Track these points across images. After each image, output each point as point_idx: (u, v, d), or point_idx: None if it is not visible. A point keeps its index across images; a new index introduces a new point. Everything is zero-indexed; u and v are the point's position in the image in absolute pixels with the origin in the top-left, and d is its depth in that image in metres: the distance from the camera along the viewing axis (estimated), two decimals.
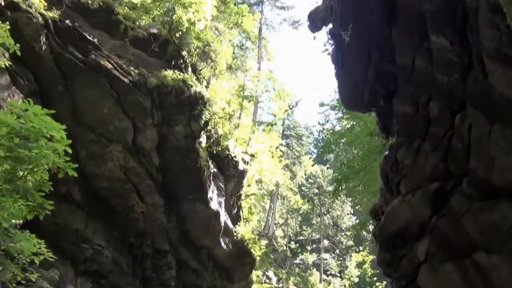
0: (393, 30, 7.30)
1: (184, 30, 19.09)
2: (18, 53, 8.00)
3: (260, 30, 35.37)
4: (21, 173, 6.30)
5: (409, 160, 7.69)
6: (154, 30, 18.95)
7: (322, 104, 30.16)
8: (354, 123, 19.43)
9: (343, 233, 50.47)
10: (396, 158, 8.10)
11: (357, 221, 43.01)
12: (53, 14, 14.22)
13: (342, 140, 21.07)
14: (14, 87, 12.43)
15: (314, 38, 9.39)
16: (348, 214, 50.47)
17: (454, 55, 6.28)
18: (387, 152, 8.71)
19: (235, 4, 25.56)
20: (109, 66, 15.47)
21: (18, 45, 7.80)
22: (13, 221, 7.05)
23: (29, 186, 6.44)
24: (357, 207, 30.82)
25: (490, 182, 6.29)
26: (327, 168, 50.16)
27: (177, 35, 19.18)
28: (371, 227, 21.91)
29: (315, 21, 9.05)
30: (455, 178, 7.14)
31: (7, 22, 8.29)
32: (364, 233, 39.06)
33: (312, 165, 50.86)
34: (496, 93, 5.95)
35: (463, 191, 6.83)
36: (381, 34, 7.27)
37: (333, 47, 8.80)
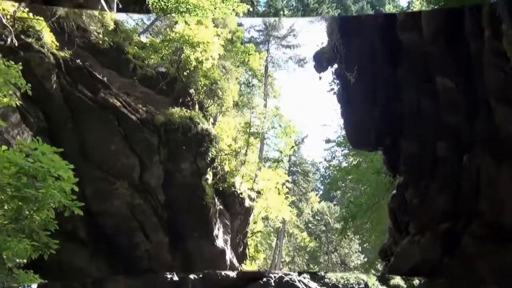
0: (398, 71, 7.41)
1: (192, 68, 19.47)
2: (30, 93, 8.15)
3: (266, 68, 35.92)
4: (27, 213, 6.28)
5: (417, 200, 7.61)
6: (162, 69, 19.33)
7: (328, 141, 30.18)
8: (361, 159, 19.39)
9: (351, 272, 49.26)
10: (404, 198, 8.02)
11: (366, 259, 42.10)
12: (65, 53, 14.57)
13: (349, 177, 20.97)
14: (24, 125, 12.60)
15: (320, 78, 9.52)
16: (356, 252, 49.46)
17: (460, 96, 6.33)
18: (394, 191, 8.63)
19: (241, 43, 26.11)
20: (118, 104, 15.70)
21: (29, 85, 7.95)
22: (17, 260, 6.97)
23: (34, 225, 6.40)
24: (365, 245, 30.28)
25: (501, 224, 6.18)
26: (334, 205, 49.59)
27: (185, 73, 19.55)
28: (379, 266, 21.43)
29: (321, 61, 9.20)
30: (464, 219, 7.03)
31: (20, 63, 8.47)
32: (373, 271, 38.16)
33: (319, 202, 50.34)
34: (503, 133, 5.94)
35: (474, 233, 6.72)
36: (386, 75, 7.37)
37: (338, 86, 8.91)
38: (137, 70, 18.58)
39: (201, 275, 16.70)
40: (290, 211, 31.73)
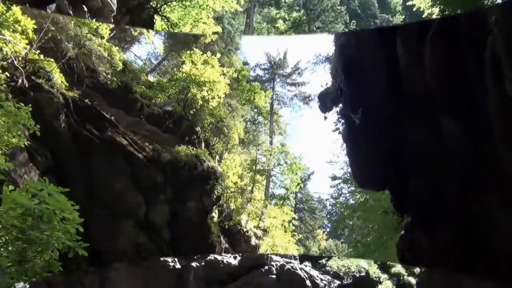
0: (404, 111, 7.45)
1: (198, 107, 19.74)
2: (38, 133, 8.28)
3: (271, 105, 36.26)
4: (31, 254, 6.23)
5: (426, 241, 7.47)
6: (169, 108, 19.60)
7: (334, 178, 30.07)
8: (368, 197, 19.22)
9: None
10: (412, 239, 7.88)
11: None
12: (74, 93, 14.85)
13: (356, 215, 20.73)
14: (31, 164, 12.67)
15: (325, 118, 9.59)
16: None
17: (466, 139, 6.32)
18: (403, 232, 8.49)
19: (247, 82, 26.53)
20: (124, 142, 15.84)
21: (38, 126, 8.09)
22: None
23: (38, 267, 6.34)
24: None
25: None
26: (342, 243, 48.73)
27: (191, 111, 19.81)
28: None
29: (325, 102, 9.30)
30: (472, 259, 6.89)
31: (30, 104, 8.64)
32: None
33: (326, 240, 49.52)
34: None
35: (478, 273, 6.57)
36: (391, 115, 7.41)
37: (343, 126, 8.96)
38: (144, 109, 18.86)
39: (203, 263, 16.42)
40: (297, 249, 31.19)
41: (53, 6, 14.10)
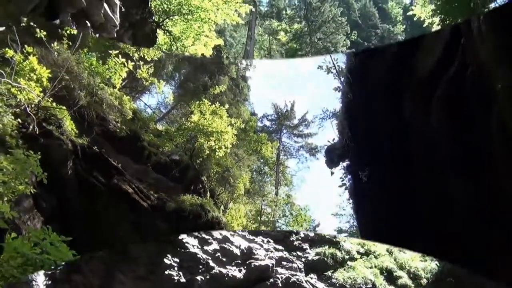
0: (412, 168, 7.40)
1: (205, 156, 19.84)
2: (45, 181, 8.33)
3: (278, 156, 36.45)
4: None
5: None
6: (176, 157, 19.72)
7: (340, 231, 29.65)
8: None
9: None
10: None
11: None
12: (83, 140, 15.02)
13: None
14: (36, 210, 12.61)
15: (332, 173, 9.58)
16: None
17: (475, 200, 6.24)
18: None
19: (254, 132, 26.81)
20: (130, 190, 15.82)
21: (45, 174, 8.15)
22: None
23: None
24: None
25: None
26: None
27: (198, 161, 19.90)
28: None
29: (332, 157, 9.32)
30: None
31: (39, 152, 8.76)
32: None
33: None
34: None
35: None
36: (399, 173, 7.37)
37: (350, 182, 8.92)
38: (152, 157, 18.97)
39: (207, 276, 15.96)
40: None
41: (57, 22, 14.33)
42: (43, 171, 8.39)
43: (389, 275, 17.71)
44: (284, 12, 52.99)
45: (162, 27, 20.65)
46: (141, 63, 18.23)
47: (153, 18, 20.44)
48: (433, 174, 6.93)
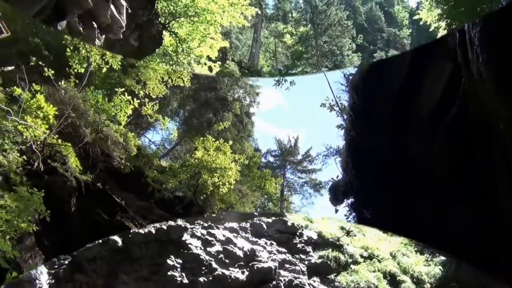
0: (416, 204, 7.34)
1: (209, 193, 19.77)
2: (48, 219, 8.30)
3: (282, 192, 36.21)
4: None
5: None
6: (180, 193, 19.67)
7: None
8: None
9: None
10: None
11: None
12: (87, 177, 15.04)
13: None
14: (38, 248, 12.49)
15: (336, 211, 9.51)
16: None
17: (481, 226, 6.16)
18: None
19: (258, 168, 26.78)
20: (133, 227, 15.72)
21: (49, 211, 8.14)
22: None
23: None
24: None
25: None
26: None
27: (201, 197, 19.81)
28: None
29: (336, 195, 9.28)
30: None
31: (43, 189, 8.77)
32: None
33: None
34: None
35: None
36: (403, 210, 7.32)
37: (355, 219, 8.85)
38: (155, 194, 18.92)
39: (210, 277, 15.45)
40: None
41: (64, 23, 14.31)
42: (47, 208, 8.37)
43: (392, 279, 17.39)
44: (290, 15, 53.59)
45: (168, 28, 20.79)
46: (147, 100, 18.48)
47: (159, 19, 20.53)
48: (436, 205, 6.88)
